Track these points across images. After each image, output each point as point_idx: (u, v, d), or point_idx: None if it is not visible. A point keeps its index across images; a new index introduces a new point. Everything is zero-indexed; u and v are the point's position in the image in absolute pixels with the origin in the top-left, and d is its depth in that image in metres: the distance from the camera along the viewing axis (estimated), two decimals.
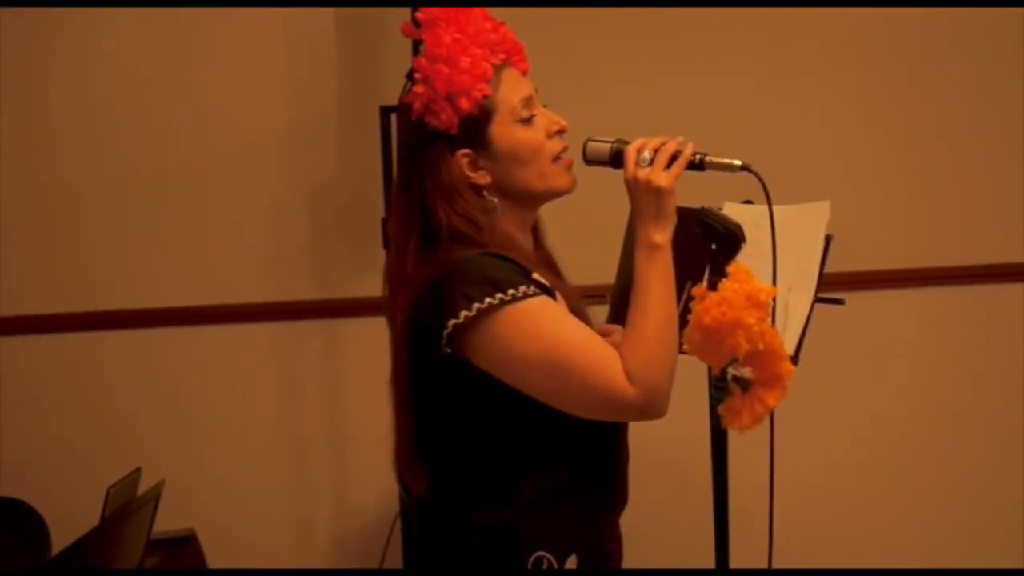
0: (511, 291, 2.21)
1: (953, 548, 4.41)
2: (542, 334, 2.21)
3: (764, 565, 2.78)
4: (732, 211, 2.57)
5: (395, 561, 3.90)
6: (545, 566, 2.30)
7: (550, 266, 2.43)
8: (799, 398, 4.19)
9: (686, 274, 2.50)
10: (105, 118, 4.17)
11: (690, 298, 2.41)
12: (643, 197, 2.28)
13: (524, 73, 2.38)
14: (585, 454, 2.36)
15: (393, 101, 3.53)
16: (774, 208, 2.52)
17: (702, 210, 2.29)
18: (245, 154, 4.17)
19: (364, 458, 4.13)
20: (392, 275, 2.38)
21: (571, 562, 2.32)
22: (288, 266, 4.21)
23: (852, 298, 3.86)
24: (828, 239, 2.82)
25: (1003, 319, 4.40)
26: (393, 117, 3.64)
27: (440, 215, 2.30)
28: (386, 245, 3.67)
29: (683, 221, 2.47)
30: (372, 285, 3.69)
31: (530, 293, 2.23)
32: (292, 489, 4.29)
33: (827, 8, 4.20)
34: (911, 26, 4.29)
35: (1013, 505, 4.42)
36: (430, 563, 2.46)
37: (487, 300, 2.20)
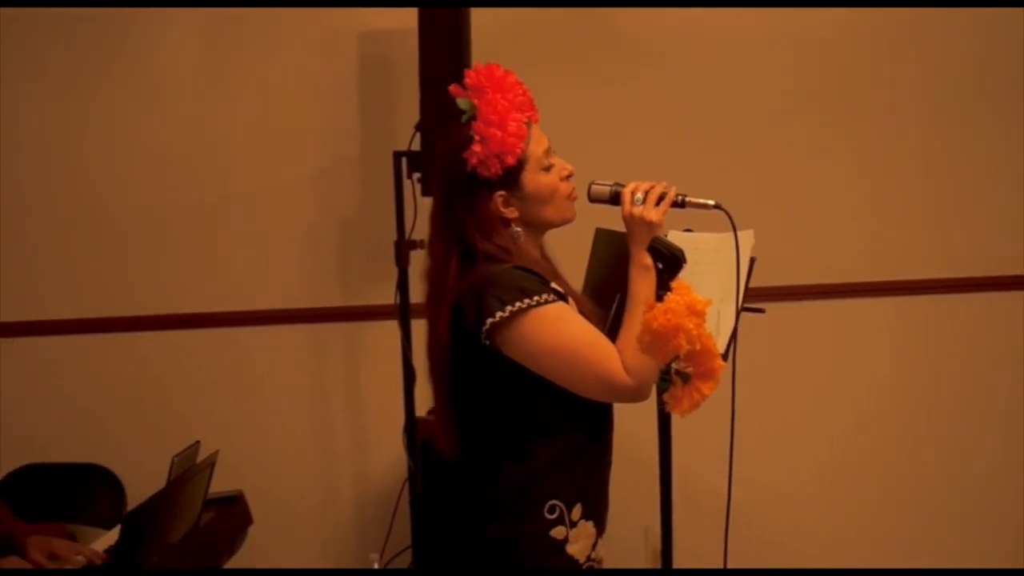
0: (536, 297, 2.26)
1: (932, 538, 4.26)
2: (559, 332, 2.26)
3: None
4: (675, 238, 2.61)
5: (403, 517, 3.86)
6: (557, 513, 2.33)
7: (558, 276, 2.45)
8: (797, 396, 4.13)
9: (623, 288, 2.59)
10: (175, 157, 4.13)
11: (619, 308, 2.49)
12: (637, 229, 2.34)
13: (537, 123, 2.42)
14: (587, 425, 2.39)
15: (401, 148, 3.65)
16: (711, 236, 2.58)
17: (656, 237, 2.28)
18: (287, 189, 4.15)
19: (378, 435, 4.15)
20: (432, 286, 2.41)
21: (576, 509, 2.35)
22: (320, 279, 4.18)
23: (847, 304, 4.07)
24: (752, 260, 2.79)
25: (974, 325, 4.20)
26: (404, 160, 3.73)
27: (477, 242, 2.34)
28: (398, 263, 3.74)
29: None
30: (386, 295, 3.78)
31: (550, 299, 2.28)
32: (320, 459, 4.26)
33: (805, 21, 4.07)
34: (882, 46, 4.12)
35: (989, 496, 4.23)
36: (461, 519, 2.46)
37: (517, 304, 2.25)
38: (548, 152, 2.40)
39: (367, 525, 4.16)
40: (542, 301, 2.28)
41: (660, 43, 4.11)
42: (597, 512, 2.44)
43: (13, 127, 4.16)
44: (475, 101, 2.36)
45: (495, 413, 2.39)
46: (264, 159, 4.15)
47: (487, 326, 2.28)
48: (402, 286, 3.72)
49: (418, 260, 3.55)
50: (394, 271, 3.72)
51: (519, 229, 2.39)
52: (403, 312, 3.72)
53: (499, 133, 2.32)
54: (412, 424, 3.72)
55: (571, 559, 2.37)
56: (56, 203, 4.17)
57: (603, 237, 2.71)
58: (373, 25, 4.06)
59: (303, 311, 4.18)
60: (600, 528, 2.45)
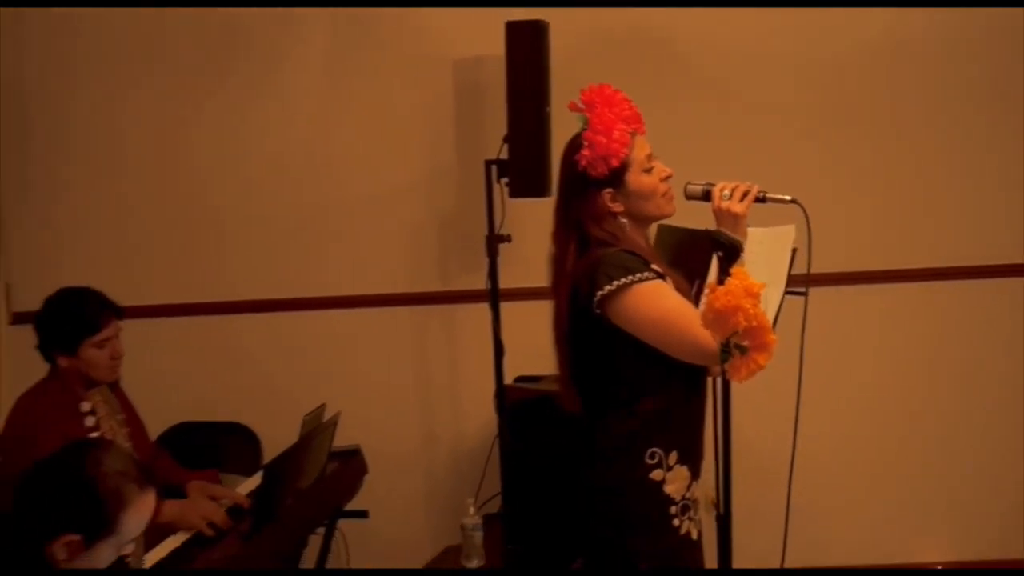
0: (638, 275, 2.34)
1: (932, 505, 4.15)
2: (658, 304, 2.34)
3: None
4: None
5: (494, 468, 3.86)
6: (656, 459, 2.39)
7: (658, 259, 2.47)
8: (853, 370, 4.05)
9: (696, 274, 2.59)
10: (301, 163, 4.19)
11: (700, 291, 2.49)
12: (726, 220, 2.42)
13: (643, 134, 2.46)
14: (683, 384, 2.44)
15: (491, 156, 3.68)
16: (758, 230, 2.56)
17: (716, 231, 2.31)
18: (394, 192, 4.18)
19: (472, 400, 4.17)
20: (555, 268, 2.49)
21: (673, 456, 2.41)
22: (421, 268, 4.22)
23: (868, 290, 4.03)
24: (794, 251, 2.76)
25: (967, 312, 4.09)
26: (493, 167, 3.73)
27: (590, 231, 2.43)
28: (489, 254, 3.74)
29: (696, 239, 2.58)
30: (478, 281, 3.80)
31: (650, 277, 2.35)
32: (423, 419, 4.28)
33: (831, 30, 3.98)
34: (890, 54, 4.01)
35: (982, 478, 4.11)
36: (571, 466, 2.50)
37: (623, 280, 2.33)
38: (650, 157, 2.43)
39: (463, 475, 4.16)
40: (643, 278, 2.33)
41: (715, 60, 4.02)
42: (691, 459, 2.45)
43: (183, 142, 4.20)
44: (587, 114, 2.42)
45: (605, 374, 2.43)
46: (374, 167, 4.17)
47: (597, 298, 2.33)
48: (492, 274, 3.72)
49: (505, 251, 3.71)
50: (485, 261, 3.74)
51: (625, 220, 2.43)
52: (493, 295, 3.72)
53: (604, 140, 2.38)
54: (501, 390, 3.72)
55: (668, 497, 2.40)
56: (216, 200, 4.23)
57: (666, 231, 2.72)
58: (465, 53, 4.06)
59: (408, 295, 4.20)
60: (694, 473, 2.47)
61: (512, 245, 3.77)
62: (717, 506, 2.56)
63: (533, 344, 3.58)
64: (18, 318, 4.15)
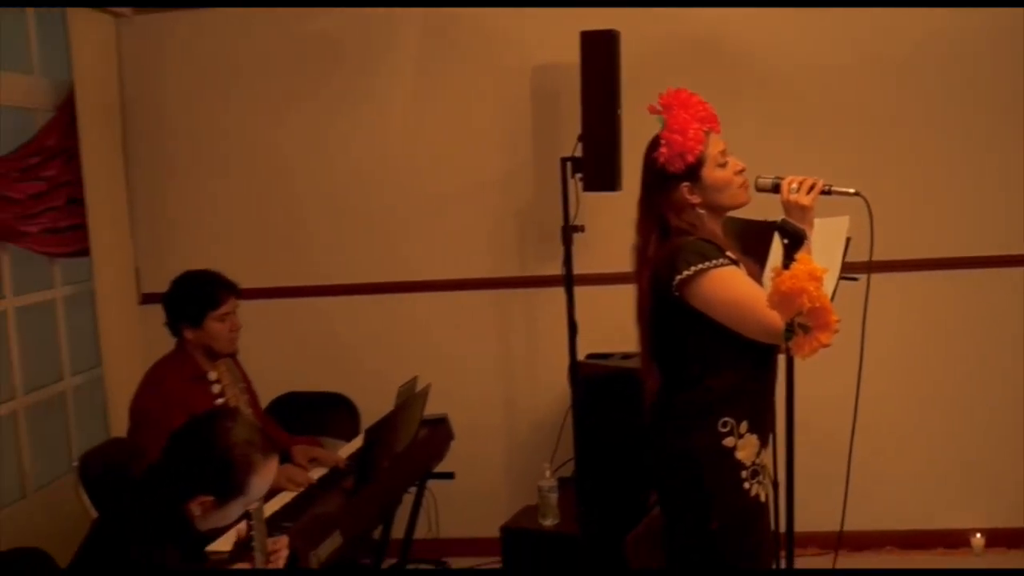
0: (714, 261, 2.33)
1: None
2: (731, 288, 2.32)
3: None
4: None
5: (567, 435, 3.83)
6: (728, 428, 2.37)
7: (732, 247, 2.45)
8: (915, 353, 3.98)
9: (761, 261, 2.60)
10: (396, 162, 4.25)
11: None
12: (794, 212, 2.39)
13: (718, 133, 2.44)
14: (754, 361, 2.42)
15: (566, 154, 3.64)
16: (817, 220, 2.50)
17: (783, 220, 2.28)
18: (478, 187, 4.22)
19: (548, 374, 4.16)
20: (638, 255, 2.47)
21: (744, 425, 2.39)
22: (502, 255, 4.24)
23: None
24: (847, 240, 2.77)
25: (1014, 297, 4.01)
26: (568, 164, 3.69)
27: (671, 221, 2.41)
28: (564, 243, 3.69)
29: (760, 229, 2.59)
30: (553, 268, 3.76)
31: (725, 263, 2.34)
32: (504, 391, 4.31)
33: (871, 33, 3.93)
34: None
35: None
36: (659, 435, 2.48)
37: (700, 265, 2.32)
38: (724, 153, 2.41)
39: (540, 441, 4.16)
40: (718, 264, 2.32)
41: (765, 64, 4.00)
42: (761, 428, 2.43)
43: (289, 140, 4.29)
44: (665, 116, 2.41)
45: (682, 352, 2.41)
46: (460, 165, 4.20)
47: (676, 282, 2.32)
48: (566, 260, 3.68)
49: (579, 240, 3.69)
50: (560, 249, 3.70)
51: (702, 211, 2.41)
52: (567, 280, 3.68)
53: (680, 139, 2.37)
54: (574, 365, 3.69)
55: (739, 462, 2.38)
56: (320, 196, 4.31)
57: (729, 222, 2.65)
58: (542, 61, 4.07)
59: (490, 279, 4.23)
60: (763, 441, 2.45)
61: (585, 235, 3.78)
62: (774, 477, 2.57)
63: (603, 324, 3.71)
64: (146, 298, 4.27)
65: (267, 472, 2.20)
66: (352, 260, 4.33)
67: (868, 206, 2.39)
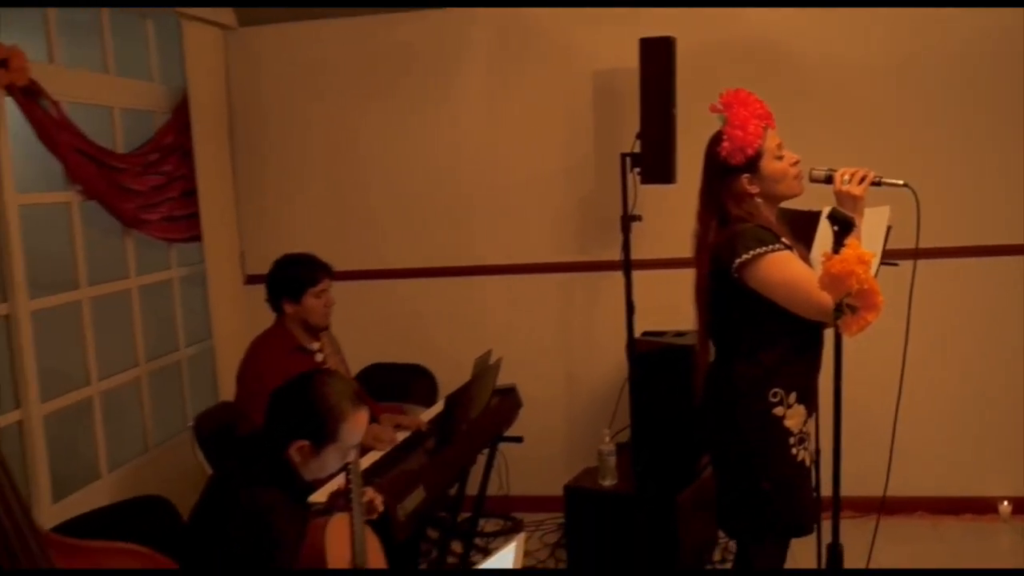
0: (770, 246, 2.34)
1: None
2: (786, 270, 2.33)
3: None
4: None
5: (624, 404, 3.80)
6: (778, 398, 2.39)
7: (787, 233, 2.45)
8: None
9: (807, 247, 2.58)
10: (470, 156, 4.28)
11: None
12: (846, 201, 2.37)
13: (774, 128, 2.44)
14: (803, 337, 2.43)
15: (626, 150, 3.57)
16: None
17: (833, 208, 2.24)
18: (544, 179, 4.25)
19: (607, 349, 4.16)
20: (698, 240, 2.47)
21: (792, 396, 2.41)
22: (565, 242, 4.26)
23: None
24: (889, 228, 2.75)
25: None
26: (627, 159, 3.66)
27: (731, 209, 2.42)
28: (623, 231, 3.66)
29: (806, 219, 2.60)
30: (612, 254, 3.73)
31: (780, 248, 2.34)
32: (567, 365, 4.30)
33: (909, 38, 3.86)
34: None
35: None
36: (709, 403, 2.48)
37: (758, 250, 2.33)
38: (780, 146, 2.41)
39: (599, 410, 4.18)
40: (774, 248, 2.33)
41: (806, 63, 3.97)
42: (808, 399, 2.44)
43: (372, 139, 4.34)
44: (725, 113, 2.42)
45: (738, 329, 2.42)
46: (527, 159, 4.23)
47: (736, 265, 2.34)
48: (625, 247, 3.67)
49: (636, 229, 3.67)
50: (619, 237, 3.71)
51: (760, 201, 2.42)
52: (626, 265, 3.67)
53: (741, 134, 2.38)
54: (631, 342, 3.69)
55: (787, 430, 2.40)
56: (404, 186, 4.36)
57: (780, 213, 2.64)
58: (603, 65, 4.08)
59: (554, 264, 4.25)
60: (810, 410, 2.46)
61: (642, 224, 3.77)
62: (817, 444, 2.54)
63: (658, 305, 3.74)
64: (250, 279, 4.36)
65: (358, 422, 2.20)
66: (429, 246, 4.35)
67: (916, 196, 2.37)
